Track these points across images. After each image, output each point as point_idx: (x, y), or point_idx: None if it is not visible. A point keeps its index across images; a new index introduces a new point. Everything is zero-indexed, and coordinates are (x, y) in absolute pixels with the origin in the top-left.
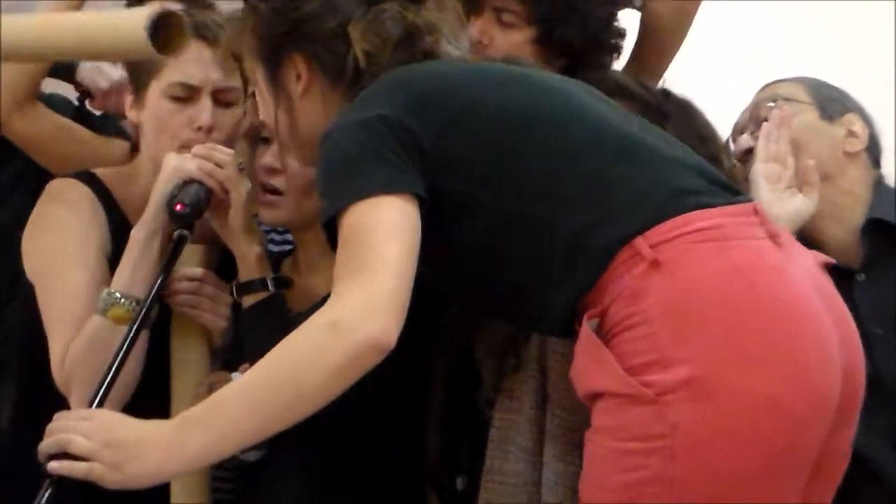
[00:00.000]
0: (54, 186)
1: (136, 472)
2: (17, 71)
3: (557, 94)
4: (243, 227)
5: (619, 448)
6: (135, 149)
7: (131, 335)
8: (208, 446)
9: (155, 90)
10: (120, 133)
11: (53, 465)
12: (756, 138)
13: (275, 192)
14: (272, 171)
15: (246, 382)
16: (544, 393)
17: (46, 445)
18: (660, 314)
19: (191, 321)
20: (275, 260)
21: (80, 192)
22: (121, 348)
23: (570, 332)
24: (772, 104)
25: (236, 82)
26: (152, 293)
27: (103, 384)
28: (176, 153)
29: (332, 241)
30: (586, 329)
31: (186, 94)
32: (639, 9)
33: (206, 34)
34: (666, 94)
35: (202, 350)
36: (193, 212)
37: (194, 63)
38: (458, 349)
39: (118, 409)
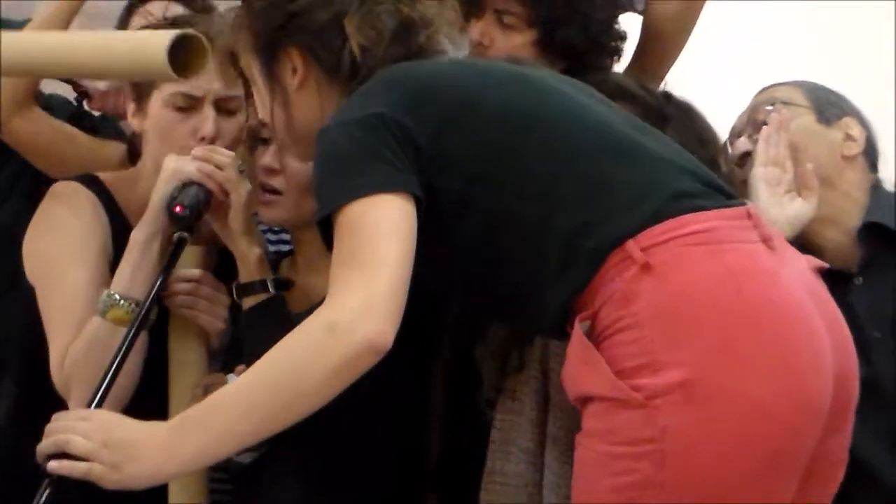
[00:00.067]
0: (57, 189)
1: (135, 472)
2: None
3: (556, 95)
4: (243, 229)
5: (608, 452)
6: (134, 153)
7: (130, 337)
8: (206, 447)
9: (157, 100)
10: (119, 134)
11: (52, 465)
12: (754, 141)
13: (274, 192)
14: (271, 171)
15: (243, 384)
16: (546, 394)
17: (45, 446)
18: (650, 317)
19: (188, 323)
20: (274, 261)
21: (82, 195)
22: (120, 350)
23: (563, 334)
24: (769, 107)
25: (238, 91)
26: (151, 295)
27: (102, 385)
28: (176, 155)
29: (327, 239)
30: (577, 331)
31: (188, 104)
32: (641, 12)
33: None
34: (667, 96)
35: (200, 352)
36: (193, 214)
37: None
38: (459, 349)
39: (117, 410)
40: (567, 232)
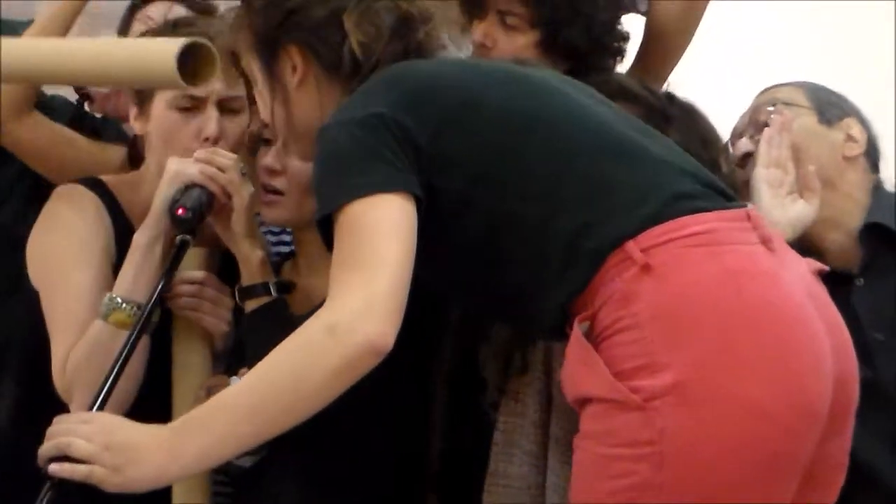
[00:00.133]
0: (60, 192)
1: (137, 475)
2: None
3: (558, 96)
4: (246, 232)
5: (607, 454)
6: (136, 157)
7: (132, 340)
8: (207, 450)
9: (160, 101)
10: (121, 136)
11: (54, 468)
12: (755, 142)
13: (276, 192)
14: (273, 171)
15: (245, 386)
16: (549, 396)
17: (47, 449)
18: (650, 318)
19: (192, 325)
20: (276, 263)
21: (85, 198)
22: (121, 353)
23: (563, 335)
24: (771, 108)
25: (240, 91)
26: (153, 298)
27: (104, 388)
28: (178, 158)
29: (327, 239)
30: (576, 332)
31: (192, 105)
32: (644, 13)
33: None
34: (670, 97)
35: (203, 354)
36: (195, 216)
37: None
38: (462, 350)
39: (120, 413)
40: (567, 232)
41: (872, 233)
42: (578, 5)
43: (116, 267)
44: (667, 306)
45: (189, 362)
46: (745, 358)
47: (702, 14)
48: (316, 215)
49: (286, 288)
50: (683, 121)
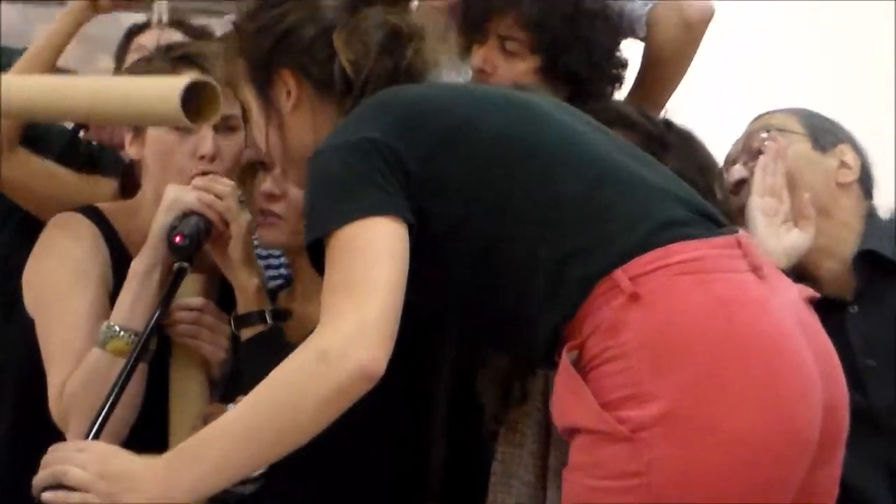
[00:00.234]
0: (57, 220)
1: None
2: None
3: (553, 122)
4: (243, 259)
5: (595, 486)
6: (128, 188)
7: (129, 367)
8: (201, 479)
9: None
10: (118, 162)
11: (48, 496)
12: (749, 169)
13: (275, 216)
14: (272, 197)
15: (237, 414)
16: (548, 427)
17: (41, 478)
18: (637, 348)
19: (190, 353)
20: (272, 291)
21: (82, 226)
22: (118, 381)
23: (554, 362)
24: (765, 135)
25: (236, 110)
26: (150, 325)
27: (100, 416)
28: (176, 185)
29: (316, 264)
30: (565, 361)
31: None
32: (642, 39)
33: (202, 64)
34: (668, 124)
35: (201, 382)
36: (193, 244)
37: None
38: (460, 377)
39: (116, 442)
40: (555, 259)
41: (866, 260)
42: (578, 31)
43: (113, 295)
44: (654, 335)
45: (186, 390)
46: (732, 387)
47: (700, 40)
48: (305, 240)
49: (282, 316)
50: (681, 148)
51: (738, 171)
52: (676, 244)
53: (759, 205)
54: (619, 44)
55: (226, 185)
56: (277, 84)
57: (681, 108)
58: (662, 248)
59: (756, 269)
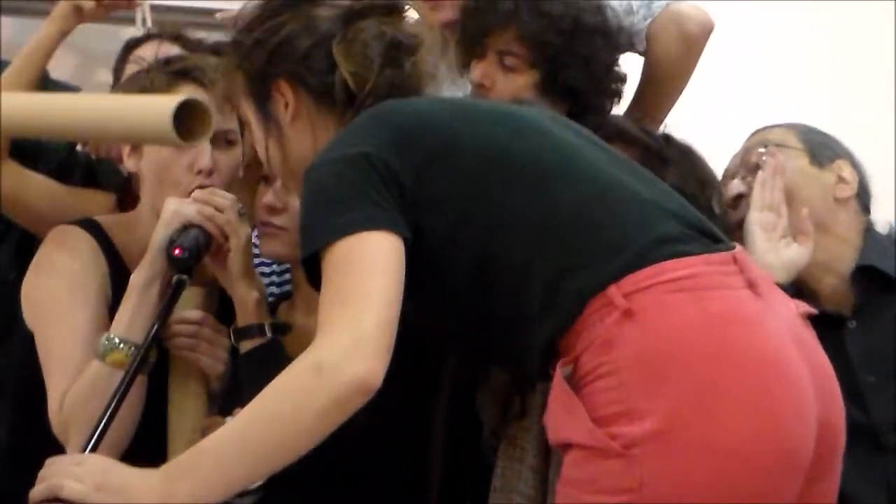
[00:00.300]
0: (55, 233)
1: None
2: None
3: (550, 137)
4: (242, 272)
5: (588, 501)
6: (128, 201)
7: (127, 380)
8: (197, 492)
9: None
10: (116, 175)
11: None
12: (747, 184)
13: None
14: (273, 209)
15: (234, 426)
16: (547, 441)
17: (38, 491)
18: (630, 364)
19: (189, 366)
20: (272, 304)
21: (81, 239)
22: (116, 393)
23: (549, 377)
24: (762, 150)
25: (233, 124)
26: (149, 337)
27: (98, 429)
28: (176, 198)
29: (312, 278)
30: (558, 376)
31: None
32: (642, 54)
33: (200, 77)
34: (667, 139)
35: (200, 395)
36: (192, 256)
37: None
38: (460, 391)
39: (116, 454)
40: (549, 275)
41: (865, 275)
42: (577, 47)
43: (112, 308)
44: (648, 352)
45: (185, 403)
46: (726, 403)
47: (700, 54)
48: (301, 254)
49: (282, 329)
50: (680, 162)
51: (736, 186)
52: (671, 261)
53: (757, 220)
54: (618, 58)
55: (226, 197)
56: (275, 96)
57: (680, 122)
58: (657, 264)
59: (752, 286)
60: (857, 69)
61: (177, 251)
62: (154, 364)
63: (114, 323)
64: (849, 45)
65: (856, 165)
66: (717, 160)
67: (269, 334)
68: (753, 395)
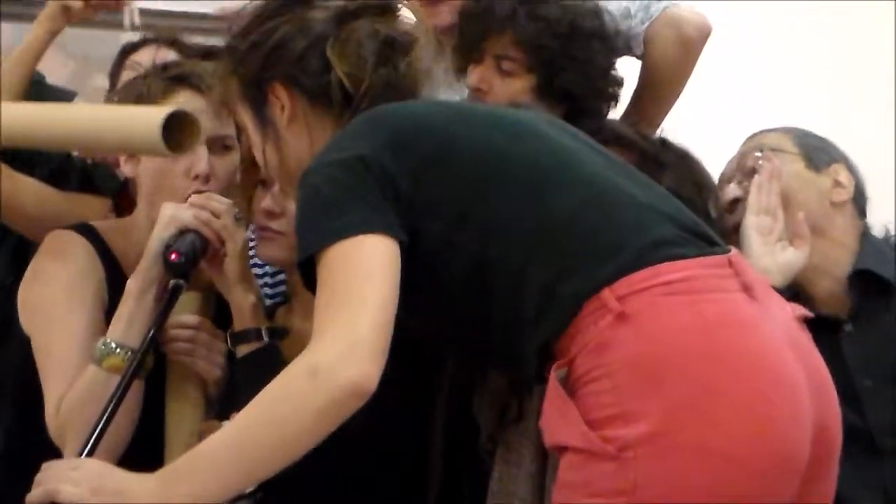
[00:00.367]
0: (52, 238)
1: None
2: None
3: (546, 140)
4: (239, 277)
5: None
6: (122, 202)
7: (123, 385)
8: (195, 495)
9: None
10: (113, 179)
11: None
12: (743, 188)
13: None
14: (271, 213)
15: (229, 431)
16: (544, 446)
17: (35, 496)
18: (623, 367)
19: (186, 370)
20: (270, 308)
21: (77, 244)
22: (112, 398)
23: (544, 379)
24: (759, 154)
25: (230, 129)
26: (145, 342)
27: (94, 433)
28: (173, 203)
29: (308, 281)
30: (553, 379)
31: None
32: (639, 57)
33: (197, 83)
34: (664, 143)
35: (197, 399)
36: (188, 261)
37: None
38: (458, 394)
39: (114, 458)
40: (546, 276)
41: (861, 279)
42: (574, 50)
43: (109, 313)
44: (642, 355)
45: (182, 407)
46: (720, 406)
47: (697, 57)
48: (297, 258)
49: (279, 333)
50: (677, 166)
51: (732, 191)
52: (666, 264)
53: (753, 223)
54: (614, 62)
55: (222, 202)
56: (271, 100)
57: (677, 126)
58: (652, 267)
59: (747, 289)
60: (856, 72)
61: (173, 256)
62: (151, 369)
63: (111, 327)
64: (848, 48)
65: (852, 169)
66: (714, 164)
67: (265, 339)
68: (748, 399)
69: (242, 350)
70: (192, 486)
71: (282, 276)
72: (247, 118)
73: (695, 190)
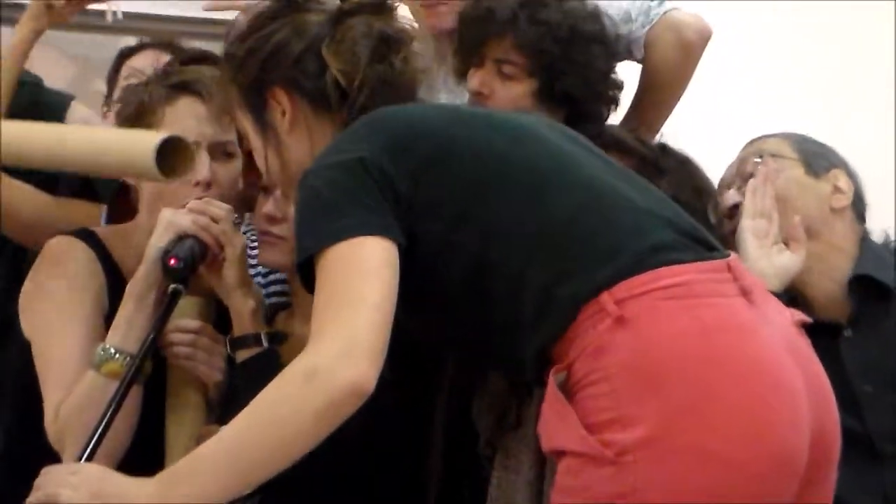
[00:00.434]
0: (52, 244)
1: None
2: None
3: (545, 143)
4: (238, 282)
5: None
6: (119, 208)
7: (122, 390)
8: (193, 499)
9: None
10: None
11: None
12: (742, 194)
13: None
14: (272, 219)
15: (228, 433)
16: (542, 452)
17: (34, 500)
18: (621, 371)
19: (186, 375)
20: (269, 313)
21: (77, 249)
22: (111, 403)
23: (544, 384)
24: (758, 160)
25: (232, 136)
26: (144, 347)
27: (93, 438)
28: (171, 208)
29: (307, 283)
30: (551, 383)
31: None
32: (640, 61)
33: (198, 89)
34: (663, 148)
35: (197, 404)
36: (187, 266)
37: (188, 119)
38: (458, 399)
39: (111, 464)
40: (545, 279)
41: (860, 284)
42: (575, 54)
43: (108, 318)
44: (639, 359)
45: (182, 412)
46: (718, 410)
47: (697, 61)
48: (296, 259)
49: (278, 338)
50: (676, 172)
51: (731, 197)
52: (665, 268)
53: (749, 227)
54: (615, 66)
55: (221, 208)
56: (271, 104)
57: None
58: (650, 272)
59: (746, 294)
60: (856, 77)
61: (172, 261)
62: (150, 374)
63: (110, 333)
64: (848, 53)
65: (851, 175)
66: (714, 169)
67: (265, 344)
68: (747, 403)
69: (242, 355)
70: (191, 489)
71: (273, 277)
72: (247, 124)
73: (694, 195)
